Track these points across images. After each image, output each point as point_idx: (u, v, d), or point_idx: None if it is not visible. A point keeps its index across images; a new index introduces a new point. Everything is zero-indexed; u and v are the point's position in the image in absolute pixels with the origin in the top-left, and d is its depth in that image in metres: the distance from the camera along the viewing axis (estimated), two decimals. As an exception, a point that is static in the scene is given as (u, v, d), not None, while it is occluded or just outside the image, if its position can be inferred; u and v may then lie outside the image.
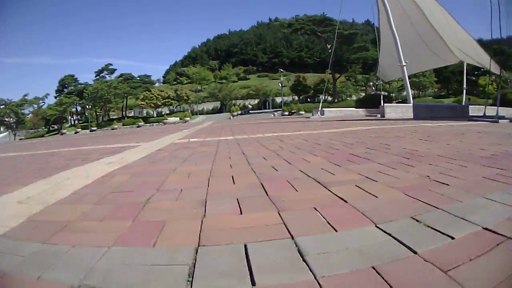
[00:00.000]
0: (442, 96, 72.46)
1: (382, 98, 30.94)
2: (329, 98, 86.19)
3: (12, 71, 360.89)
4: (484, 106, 19.86)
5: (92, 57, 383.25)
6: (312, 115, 37.93)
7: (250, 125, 21.92)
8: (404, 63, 27.44)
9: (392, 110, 23.80)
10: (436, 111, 19.26)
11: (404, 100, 52.00)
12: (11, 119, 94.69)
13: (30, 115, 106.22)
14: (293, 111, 64.03)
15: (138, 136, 17.85)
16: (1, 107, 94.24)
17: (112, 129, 67.83)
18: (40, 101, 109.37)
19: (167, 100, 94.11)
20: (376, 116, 25.70)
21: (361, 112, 38.30)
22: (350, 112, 38.19)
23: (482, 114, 18.89)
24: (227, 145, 8.67)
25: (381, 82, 55.57)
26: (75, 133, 69.24)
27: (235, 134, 13.21)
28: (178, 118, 76.01)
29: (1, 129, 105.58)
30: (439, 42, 30.59)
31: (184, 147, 9.10)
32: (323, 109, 36.15)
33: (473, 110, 22.29)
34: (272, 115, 67.90)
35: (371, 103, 44.84)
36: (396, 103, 55.47)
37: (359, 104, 49.57)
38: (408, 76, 29.54)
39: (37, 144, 22.25)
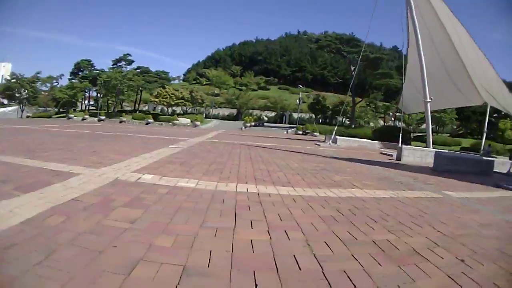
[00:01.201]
0: (460, 135, 70.39)
1: (401, 136, 28.52)
2: (347, 121, 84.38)
3: (32, 45, 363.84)
4: (510, 161, 18.12)
5: (116, 43, 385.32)
6: (324, 141, 35.91)
7: (246, 149, 20.03)
8: (428, 100, 25.45)
9: (410, 153, 21.78)
10: (460, 164, 17.24)
11: (423, 136, 50.43)
12: (23, 93, 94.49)
13: (46, 93, 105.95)
14: (307, 131, 63.04)
15: (102, 149, 15.35)
16: (12, 81, 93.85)
17: (120, 122, 68.21)
18: (54, 81, 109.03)
19: (180, 100, 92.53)
20: (391, 156, 23.65)
21: (377, 145, 36.43)
22: (365, 144, 36.22)
23: (506, 172, 17.20)
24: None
25: (402, 114, 54.20)
26: (82, 119, 68.67)
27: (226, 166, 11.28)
28: (189, 120, 74.33)
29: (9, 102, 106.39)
30: (466, 80, 29.06)
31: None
32: (337, 137, 33.87)
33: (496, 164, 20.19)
34: (285, 132, 66.98)
35: (388, 135, 43.10)
36: (414, 137, 53.55)
37: (376, 135, 47.45)
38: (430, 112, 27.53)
39: None
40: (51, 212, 5.37)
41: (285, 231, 5.27)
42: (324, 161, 16.76)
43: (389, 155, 24.56)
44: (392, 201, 8.36)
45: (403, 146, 22.08)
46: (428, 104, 25.70)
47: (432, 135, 26.25)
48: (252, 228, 5.33)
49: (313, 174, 11.75)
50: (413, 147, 22.82)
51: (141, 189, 7.40)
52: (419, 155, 21.74)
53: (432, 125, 55.28)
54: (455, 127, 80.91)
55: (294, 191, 8.56)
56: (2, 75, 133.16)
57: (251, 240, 4.75)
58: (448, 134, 73.92)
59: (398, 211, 7.27)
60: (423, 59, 25.28)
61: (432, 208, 7.88)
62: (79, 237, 4.45)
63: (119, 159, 11.77)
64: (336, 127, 36.31)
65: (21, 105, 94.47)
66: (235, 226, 5.33)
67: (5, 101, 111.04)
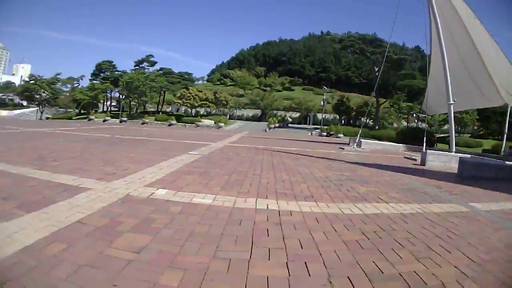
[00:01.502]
0: (481, 136, 69.25)
1: (425, 138, 27.97)
2: (371, 122, 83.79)
3: (53, 46, 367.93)
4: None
5: (138, 44, 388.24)
6: (349, 144, 35.68)
7: (270, 153, 19.60)
8: (452, 101, 24.82)
9: (435, 158, 21.19)
10: (484, 170, 16.67)
11: (445, 137, 49.88)
12: (43, 95, 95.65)
13: (67, 94, 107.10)
14: (331, 133, 63.13)
15: (118, 157, 15.08)
16: (31, 82, 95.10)
17: (142, 123, 68.63)
18: (75, 82, 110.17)
19: (204, 102, 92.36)
20: (415, 161, 23.04)
21: (401, 148, 35.85)
22: (389, 147, 35.58)
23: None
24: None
25: (426, 116, 53.83)
26: (104, 121, 69.37)
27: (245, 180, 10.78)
28: (213, 122, 74.57)
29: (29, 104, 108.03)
30: (487, 80, 29.16)
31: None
32: (361, 140, 33.27)
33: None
34: (310, 133, 67.14)
35: (412, 137, 42.84)
36: (437, 138, 52.86)
37: (400, 137, 46.93)
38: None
39: None
40: (52, 238, 4.94)
41: (305, 263, 4.74)
42: (349, 168, 16.18)
43: (413, 159, 23.98)
44: (419, 218, 7.77)
45: (428, 151, 21.45)
46: (451, 106, 25.10)
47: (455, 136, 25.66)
48: (269, 259, 4.79)
49: (337, 185, 11.18)
50: (437, 151, 22.23)
51: (152, 208, 6.92)
52: (443, 159, 21.23)
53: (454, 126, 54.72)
54: (475, 128, 79.96)
55: (317, 207, 8.03)
56: (21, 76, 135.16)
57: (267, 277, 4.24)
58: (469, 135, 72.98)
59: (425, 232, 6.70)
60: (446, 60, 24.67)
61: (459, 227, 7.32)
62: (78, 271, 4.03)
63: (134, 169, 11.32)
64: (360, 131, 35.55)
65: (41, 107, 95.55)
66: (250, 257, 4.81)
67: (25, 103, 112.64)
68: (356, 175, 13.90)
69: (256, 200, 8.26)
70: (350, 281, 4.35)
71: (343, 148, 30.60)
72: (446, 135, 56.24)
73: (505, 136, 36.73)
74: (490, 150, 41.20)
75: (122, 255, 4.55)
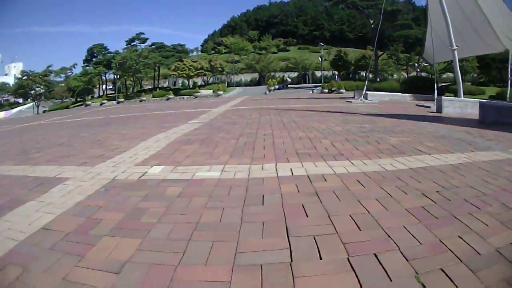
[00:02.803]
0: (482, 83, 67.92)
1: (436, 85, 26.70)
2: (370, 76, 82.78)
3: (44, 41, 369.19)
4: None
5: (129, 25, 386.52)
6: (354, 97, 34.03)
7: (274, 113, 17.58)
8: (455, 47, 23.59)
9: (450, 104, 19.96)
10: (505, 114, 15.22)
11: (447, 85, 49.09)
12: (37, 89, 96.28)
13: (62, 85, 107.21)
14: (333, 89, 61.56)
15: (109, 136, 13.75)
16: (23, 78, 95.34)
17: (140, 101, 67.74)
18: (68, 71, 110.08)
19: (200, 71, 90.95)
20: (429, 108, 21.72)
21: (408, 98, 34.08)
22: (396, 97, 34.12)
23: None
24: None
25: (427, 64, 53.03)
26: (101, 104, 69.20)
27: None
28: (211, 91, 73.72)
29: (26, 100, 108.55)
30: (488, 27, 28.24)
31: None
32: (367, 92, 31.58)
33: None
34: (311, 92, 65.87)
35: (416, 86, 41.17)
36: (440, 87, 51.76)
37: (405, 87, 45.30)
38: (452, 60, 26.04)
39: None
40: (7, 258, 3.43)
41: (376, 257, 3.05)
42: (366, 120, 14.67)
43: (426, 107, 22.66)
44: (473, 169, 6.29)
45: (443, 97, 20.30)
46: (455, 51, 23.91)
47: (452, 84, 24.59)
48: (320, 258, 3.09)
49: (364, 137, 9.66)
50: (451, 97, 20.88)
51: (144, 193, 5.32)
52: (458, 105, 20.05)
53: (452, 73, 54.18)
54: (475, 75, 78.96)
55: (353, 166, 6.46)
56: (14, 75, 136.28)
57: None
58: (470, 83, 71.77)
59: (490, 187, 5.20)
60: (445, 6, 23.52)
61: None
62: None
63: (125, 147, 9.77)
64: (366, 82, 34.23)
65: (36, 101, 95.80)
66: (291, 259, 3.08)
67: (20, 100, 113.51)
68: (378, 126, 12.43)
69: (276, 165, 6.67)
70: (447, 275, 2.81)
71: (350, 101, 29.25)
72: (447, 83, 55.71)
73: (510, 82, 35.49)
74: (495, 96, 39.82)
75: (95, 278, 2.91)
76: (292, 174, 6.00)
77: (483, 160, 7.11)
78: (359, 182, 5.39)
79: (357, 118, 15.50)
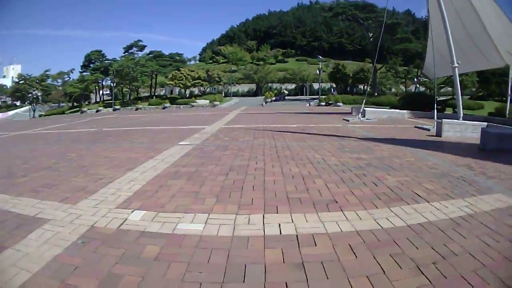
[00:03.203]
0: (480, 98, 68.25)
1: (435, 104, 26.43)
2: (368, 88, 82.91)
3: (42, 44, 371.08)
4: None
5: (128, 31, 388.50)
6: (351, 113, 34.63)
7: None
8: (456, 64, 23.77)
9: (451, 128, 19.70)
10: (506, 141, 15.11)
11: (445, 100, 49.28)
12: (34, 93, 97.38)
13: (60, 88, 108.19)
14: (330, 102, 62.52)
15: (96, 160, 13.66)
16: (21, 82, 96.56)
17: (136, 109, 68.35)
18: (65, 76, 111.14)
19: (197, 81, 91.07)
20: (428, 131, 21.55)
21: (406, 115, 33.83)
22: (394, 114, 33.67)
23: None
24: None
25: (426, 79, 53.37)
26: (97, 111, 69.36)
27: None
28: (208, 101, 74.22)
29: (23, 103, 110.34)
30: (488, 42, 28.20)
31: None
32: (365, 108, 31.56)
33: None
34: (308, 104, 67.35)
35: (415, 102, 41.07)
36: (440, 101, 51.72)
37: (404, 103, 45.04)
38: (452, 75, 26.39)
39: None
40: None
41: None
42: (364, 147, 14.31)
43: (425, 129, 22.43)
44: (474, 227, 5.96)
45: (443, 120, 20.08)
46: (456, 69, 24.02)
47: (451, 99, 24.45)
48: None
49: (359, 176, 9.22)
50: (452, 120, 20.65)
51: (120, 252, 4.95)
52: (459, 129, 19.81)
53: (451, 87, 54.17)
54: (473, 89, 79.14)
55: (346, 221, 6.05)
56: (12, 77, 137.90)
57: None
58: (469, 97, 71.91)
59: (491, 253, 4.89)
60: (447, 23, 23.68)
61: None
62: None
63: (110, 177, 9.41)
64: (364, 100, 34.26)
65: (33, 105, 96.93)
66: None
67: (18, 103, 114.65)
68: (375, 157, 12.07)
69: (264, 217, 6.26)
70: None
71: (348, 120, 28.82)
72: (445, 98, 56.04)
73: (509, 98, 35.49)
74: (494, 113, 39.78)
75: None
76: (280, 232, 5.60)
77: (485, 210, 6.78)
78: (351, 248, 4.98)
79: (354, 144, 15.20)
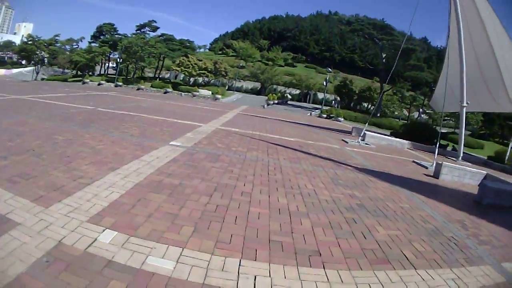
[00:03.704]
0: (482, 136, 68.52)
1: (438, 141, 26.06)
2: (372, 108, 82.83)
3: (60, 7, 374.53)
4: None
5: (143, 7, 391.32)
6: (351, 133, 34.87)
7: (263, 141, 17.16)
8: (465, 104, 24.35)
9: (449, 171, 19.34)
10: (504, 198, 14.95)
11: (447, 133, 49.29)
12: (40, 55, 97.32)
13: (68, 53, 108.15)
14: (331, 115, 62.59)
15: (81, 152, 13.50)
16: (29, 42, 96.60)
17: (138, 89, 68.14)
18: (74, 43, 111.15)
19: (203, 71, 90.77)
20: (426, 169, 21.28)
21: (406, 146, 33.60)
22: (395, 143, 33.15)
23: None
24: None
25: (431, 111, 53.47)
26: (98, 84, 69.15)
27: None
28: (210, 92, 74.33)
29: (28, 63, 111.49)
30: (500, 85, 27.98)
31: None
32: (366, 132, 31.21)
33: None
34: (309, 114, 67.24)
35: (417, 132, 40.60)
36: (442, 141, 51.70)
37: (405, 130, 44.69)
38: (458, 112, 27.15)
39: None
40: None
41: None
42: (359, 181, 13.95)
43: (423, 166, 22.17)
44: None
45: (443, 163, 19.71)
46: (464, 108, 24.56)
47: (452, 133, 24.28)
48: None
49: (349, 222, 8.81)
50: (452, 165, 20.36)
51: (82, 284, 4.58)
52: (457, 174, 19.48)
53: (454, 121, 54.07)
54: (475, 126, 79.17)
55: (326, 284, 5.61)
56: (23, 36, 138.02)
57: None
58: (470, 132, 71.97)
59: None
60: (464, 63, 23.93)
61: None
62: None
63: (91, 177, 8.94)
64: (367, 124, 33.68)
65: (37, 67, 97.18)
66: None
67: (23, 61, 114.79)
68: (369, 197, 11.70)
69: (240, 263, 5.83)
70: None
71: (346, 142, 28.48)
72: (446, 130, 56.19)
73: (511, 145, 35.56)
74: (494, 157, 39.63)
75: None
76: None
77: (469, 284, 6.61)
78: None
79: (349, 176, 14.79)
